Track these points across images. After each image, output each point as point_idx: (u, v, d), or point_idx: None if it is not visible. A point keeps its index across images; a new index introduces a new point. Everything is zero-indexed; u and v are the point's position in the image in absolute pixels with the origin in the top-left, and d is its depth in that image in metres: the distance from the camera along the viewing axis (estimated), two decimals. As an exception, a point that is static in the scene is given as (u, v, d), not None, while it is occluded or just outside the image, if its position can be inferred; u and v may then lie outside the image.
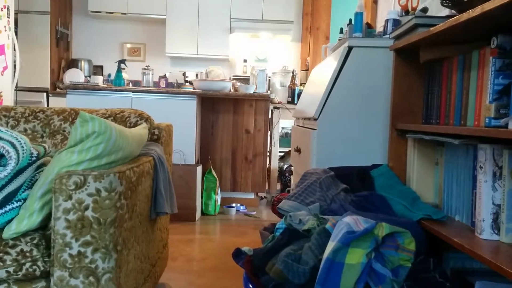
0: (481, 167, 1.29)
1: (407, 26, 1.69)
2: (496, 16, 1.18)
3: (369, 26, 2.33)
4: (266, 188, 4.39)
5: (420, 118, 1.81)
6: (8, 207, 1.46)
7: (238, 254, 1.48)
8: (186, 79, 5.73)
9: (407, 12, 2.15)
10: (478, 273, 1.39)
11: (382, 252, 1.19)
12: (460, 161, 1.49)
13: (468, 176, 1.44)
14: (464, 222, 1.46)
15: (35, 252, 1.38)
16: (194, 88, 4.21)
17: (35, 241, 1.39)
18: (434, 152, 1.71)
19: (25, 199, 1.47)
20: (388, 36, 2.10)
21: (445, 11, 2.15)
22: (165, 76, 5.55)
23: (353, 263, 1.15)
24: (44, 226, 1.45)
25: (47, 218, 1.43)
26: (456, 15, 1.37)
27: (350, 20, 2.34)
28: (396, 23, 2.12)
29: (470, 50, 1.44)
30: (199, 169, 3.73)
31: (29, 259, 1.37)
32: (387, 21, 2.16)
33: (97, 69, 6.06)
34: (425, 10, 1.98)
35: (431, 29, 1.47)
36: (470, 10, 1.22)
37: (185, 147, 3.80)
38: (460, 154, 1.50)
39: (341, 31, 2.60)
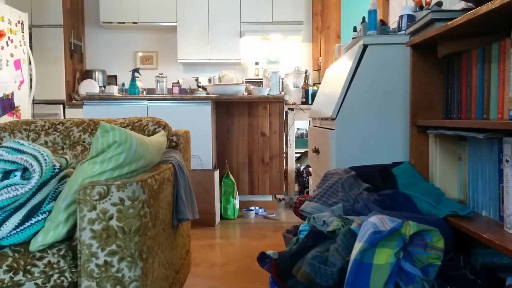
0: (507, 161, 1.26)
1: (423, 21, 1.67)
2: (517, 7, 1.16)
3: (383, 23, 2.31)
4: (284, 190, 4.37)
5: (440, 113, 1.79)
6: (33, 220, 1.47)
7: (263, 258, 1.47)
8: (199, 84, 5.76)
9: (421, 7, 2.12)
10: (508, 268, 1.36)
11: (411, 251, 1.17)
12: (484, 155, 1.47)
13: (493, 170, 1.42)
14: (492, 217, 1.43)
15: (62, 263, 1.39)
16: (208, 93, 4.23)
17: (61, 252, 1.41)
18: (456, 147, 1.68)
19: (50, 211, 1.49)
20: (403, 32, 2.08)
21: (460, 4, 2.13)
22: (178, 82, 5.58)
23: (382, 263, 1.13)
24: (70, 237, 1.47)
25: (73, 229, 1.45)
26: (473, 8, 1.35)
27: (364, 18, 2.32)
28: (411, 18, 2.09)
29: (489, 42, 1.41)
30: (216, 173, 3.73)
31: (57, 270, 1.38)
32: (401, 17, 2.14)
33: (111, 79, 6.12)
34: (439, 4, 1.96)
35: (449, 23, 1.45)
36: (489, 3, 1.20)
37: (201, 152, 3.81)
38: (484, 148, 1.47)
39: (355, 29, 2.58)
